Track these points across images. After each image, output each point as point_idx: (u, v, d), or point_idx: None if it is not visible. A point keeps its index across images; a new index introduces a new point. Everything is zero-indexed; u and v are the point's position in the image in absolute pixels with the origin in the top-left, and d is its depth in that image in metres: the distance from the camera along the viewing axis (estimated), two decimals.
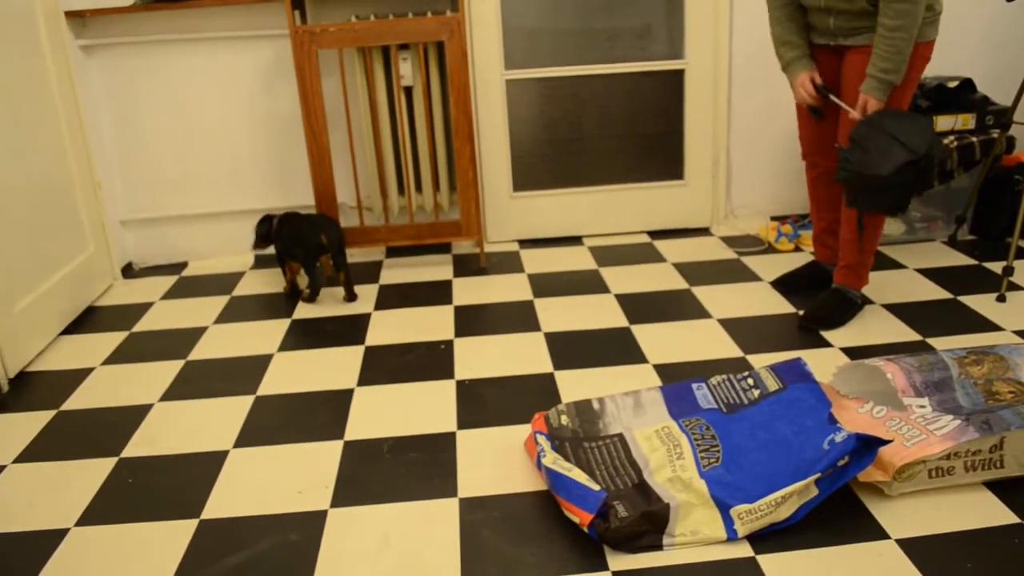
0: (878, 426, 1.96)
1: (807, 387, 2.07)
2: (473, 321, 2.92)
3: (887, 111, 2.49)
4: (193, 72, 3.47)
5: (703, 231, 3.74)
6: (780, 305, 2.90)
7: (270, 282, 3.41)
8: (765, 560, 1.69)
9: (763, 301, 2.95)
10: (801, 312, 2.81)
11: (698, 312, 2.89)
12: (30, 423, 2.41)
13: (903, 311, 2.80)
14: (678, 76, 3.57)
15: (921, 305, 2.85)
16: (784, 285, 3.07)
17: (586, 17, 3.48)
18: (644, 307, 2.95)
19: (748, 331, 2.72)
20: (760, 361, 2.51)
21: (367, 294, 3.22)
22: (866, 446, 1.78)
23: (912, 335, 2.63)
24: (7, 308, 2.65)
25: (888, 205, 2.53)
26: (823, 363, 2.42)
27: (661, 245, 3.59)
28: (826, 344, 2.60)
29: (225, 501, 1.99)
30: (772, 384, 2.12)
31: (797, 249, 3.44)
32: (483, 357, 2.64)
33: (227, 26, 3.41)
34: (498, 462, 2.08)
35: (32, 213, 2.88)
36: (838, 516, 1.80)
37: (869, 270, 2.80)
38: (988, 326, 2.67)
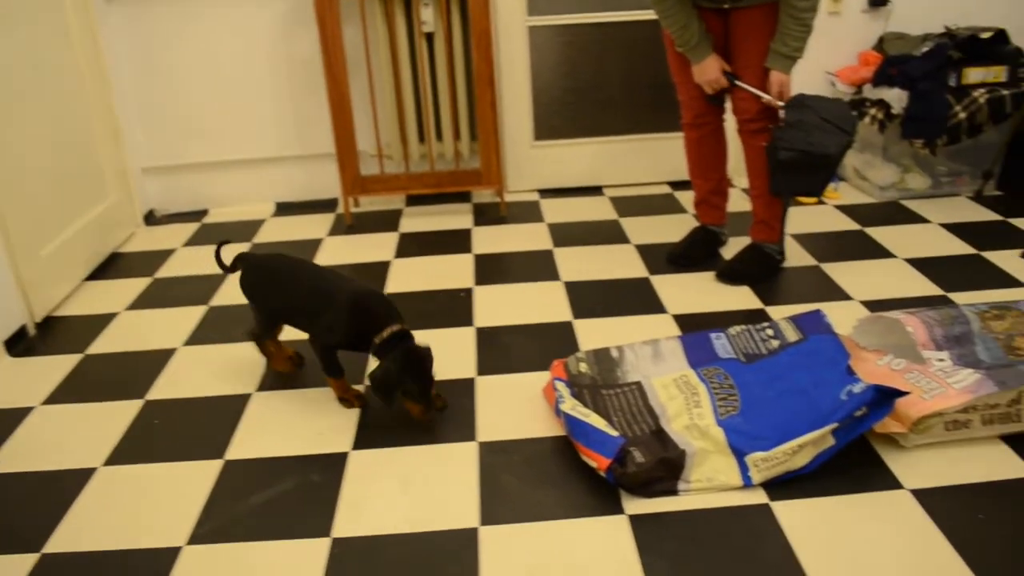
0: (896, 378, 1.96)
1: (827, 338, 2.07)
2: (493, 269, 2.93)
3: (808, 95, 2.51)
4: (213, 19, 3.44)
5: None
6: (797, 256, 2.88)
7: (291, 229, 3.42)
8: (779, 507, 1.71)
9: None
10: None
11: (718, 263, 2.88)
12: (57, 366, 2.46)
13: (926, 266, 2.78)
14: None
15: (944, 260, 2.83)
16: (679, 260, 2.89)
17: None
18: (664, 257, 2.94)
19: (767, 282, 2.72)
20: (779, 312, 2.50)
21: (387, 242, 3.23)
22: (884, 397, 1.79)
23: (934, 289, 2.61)
24: (32, 253, 2.69)
25: (820, 185, 2.60)
26: (843, 315, 2.41)
27: (683, 196, 3.57)
28: (846, 297, 2.59)
29: (249, 442, 2.03)
30: (792, 335, 2.12)
31: (820, 202, 3.40)
32: (502, 305, 2.65)
33: None
34: (517, 408, 2.10)
35: (54, 160, 2.89)
36: (853, 466, 1.81)
37: (782, 222, 2.76)
38: (1012, 282, 2.64)
